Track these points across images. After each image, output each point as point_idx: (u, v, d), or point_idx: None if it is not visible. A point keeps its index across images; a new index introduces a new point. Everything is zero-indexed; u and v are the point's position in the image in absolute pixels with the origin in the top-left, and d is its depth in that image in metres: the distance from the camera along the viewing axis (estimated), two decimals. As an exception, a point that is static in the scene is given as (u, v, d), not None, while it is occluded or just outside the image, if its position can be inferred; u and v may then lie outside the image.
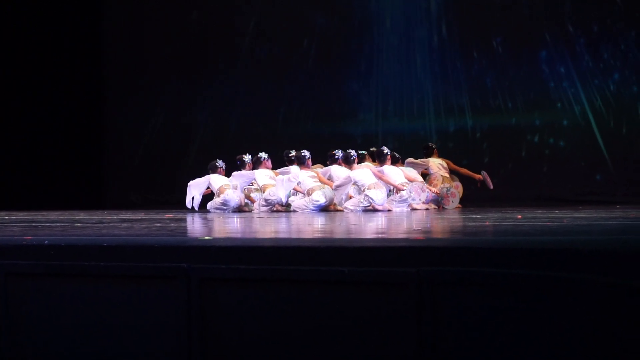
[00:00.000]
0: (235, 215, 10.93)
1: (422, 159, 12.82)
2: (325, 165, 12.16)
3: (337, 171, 11.60)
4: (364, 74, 15.28)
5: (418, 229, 6.56)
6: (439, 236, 5.82)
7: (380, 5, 15.33)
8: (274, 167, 12.18)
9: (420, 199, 11.62)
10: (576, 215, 8.77)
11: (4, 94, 15.61)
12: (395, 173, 11.64)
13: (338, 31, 15.48)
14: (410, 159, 12.78)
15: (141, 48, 16.50)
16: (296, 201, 11.60)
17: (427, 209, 11.80)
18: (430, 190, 11.95)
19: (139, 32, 16.53)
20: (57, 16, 16.00)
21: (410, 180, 11.71)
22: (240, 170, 12.16)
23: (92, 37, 16.63)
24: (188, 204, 12.14)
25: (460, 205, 12.50)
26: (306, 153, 11.92)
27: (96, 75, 16.71)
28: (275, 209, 11.72)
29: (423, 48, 15.08)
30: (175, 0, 16.49)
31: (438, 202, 12.34)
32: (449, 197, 12.35)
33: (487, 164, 14.33)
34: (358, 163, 11.89)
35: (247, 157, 12.20)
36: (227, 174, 12.28)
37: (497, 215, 9.04)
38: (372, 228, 7.07)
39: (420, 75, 15.05)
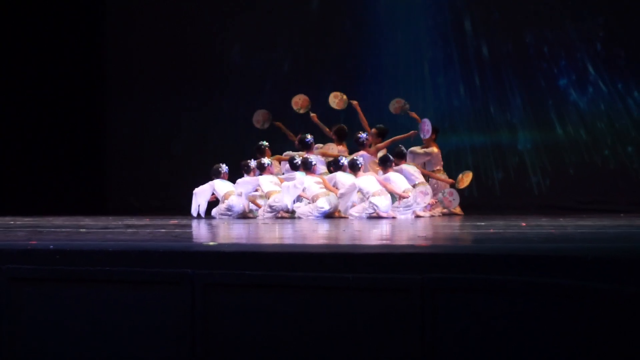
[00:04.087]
0: (240, 221, 10.93)
1: (426, 149, 12.73)
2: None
3: (343, 178, 11.57)
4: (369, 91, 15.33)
5: (422, 236, 6.56)
6: (444, 243, 5.82)
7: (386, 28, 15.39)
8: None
9: (425, 202, 11.62)
10: (580, 223, 8.76)
11: (8, 101, 15.62)
12: (400, 179, 11.62)
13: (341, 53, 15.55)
14: (414, 149, 12.69)
15: (143, 55, 16.49)
16: (301, 207, 11.59)
17: (431, 216, 11.80)
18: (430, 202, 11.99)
19: (141, 39, 16.53)
20: (59, 22, 16.00)
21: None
22: (245, 177, 12.16)
23: (94, 44, 16.65)
24: (194, 212, 12.10)
25: (462, 213, 12.50)
26: (313, 159, 11.90)
27: (98, 81, 16.71)
28: (279, 215, 11.71)
29: (427, 68, 15.10)
30: (179, 9, 16.47)
31: (443, 207, 12.36)
32: (448, 198, 12.35)
33: (491, 171, 14.36)
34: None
35: (253, 163, 12.19)
36: (231, 178, 12.28)
37: (501, 222, 9.03)
38: (376, 235, 7.07)
39: (421, 91, 15.04)
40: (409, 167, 12.19)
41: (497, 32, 14.61)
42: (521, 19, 14.53)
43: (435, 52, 15.03)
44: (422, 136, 12.70)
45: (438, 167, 12.68)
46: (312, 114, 13.20)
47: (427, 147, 12.70)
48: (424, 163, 12.77)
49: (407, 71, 15.21)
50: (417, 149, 12.67)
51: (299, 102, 13.28)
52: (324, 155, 12.61)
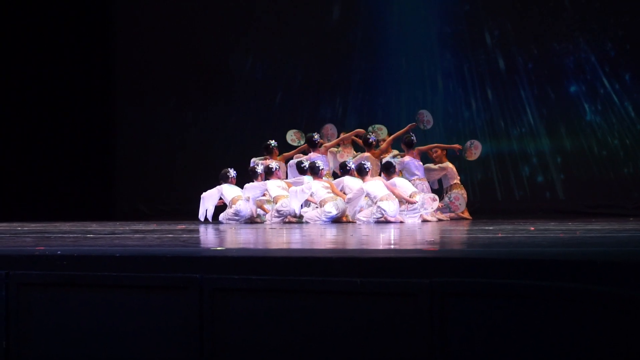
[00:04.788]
0: (248, 226, 10.92)
1: (440, 164, 12.74)
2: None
3: (350, 182, 11.56)
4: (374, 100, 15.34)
5: (430, 240, 6.55)
6: (452, 247, 5.81)
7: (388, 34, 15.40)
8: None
9: (432, 208, 11.62)
10: (589, 227, 8.75)
11: (16, 107, 15.65)
12: (405, 184, 11.61)
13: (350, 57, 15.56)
14: (428, 165, 12.71)
15: (152, 60, 16.52)
16: (309, 212, 11.58)
17: (439, 220, 11.79)
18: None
19: (151, 45, 16.55)
20: (69, 26, 16.05)
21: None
22: (252, 181, 12.16)
23: (103, 48, 16.68)
24: (201, 217, 12.10)
25: (470, 217, 12.49)
26: (320, 163, 11.89)
27: (106, 87, 16.75)
28: (287, 220, 11.71)
29: (439, 80, 15.11)
30: (190, 17, 16.48)
31: (450, 210, 12.39)
32: (454, 202, 12.37)
33: (500, 178, 14.39)
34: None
35: (260, 168, 12.19)
36: (238, 183, 12.28)
37: (509, 227, 9.02)
38: (384, 239, 7.06)
39: (432, 102, 15.03)
40: (414, 161, 12.23)
41: (510, 44, 14.62)
42: (533, 31, 14.54)
43: (447, 63, 15.03)
44: (422, 127, 12.78)
45: (455, 181, 12.70)
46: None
47: (440, 163, 12.73)
48: (441, 178, 12.80)
49: (418, 83, 15.22)
50: (431, 165, 12.69)
51: (295, 138, 13.37)
52: (329, 148, 12.71)
